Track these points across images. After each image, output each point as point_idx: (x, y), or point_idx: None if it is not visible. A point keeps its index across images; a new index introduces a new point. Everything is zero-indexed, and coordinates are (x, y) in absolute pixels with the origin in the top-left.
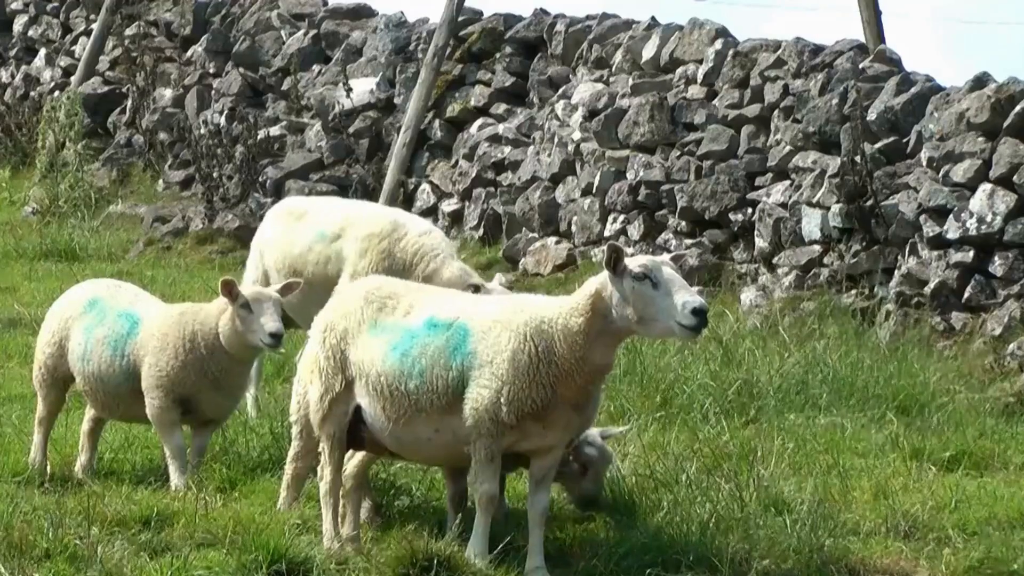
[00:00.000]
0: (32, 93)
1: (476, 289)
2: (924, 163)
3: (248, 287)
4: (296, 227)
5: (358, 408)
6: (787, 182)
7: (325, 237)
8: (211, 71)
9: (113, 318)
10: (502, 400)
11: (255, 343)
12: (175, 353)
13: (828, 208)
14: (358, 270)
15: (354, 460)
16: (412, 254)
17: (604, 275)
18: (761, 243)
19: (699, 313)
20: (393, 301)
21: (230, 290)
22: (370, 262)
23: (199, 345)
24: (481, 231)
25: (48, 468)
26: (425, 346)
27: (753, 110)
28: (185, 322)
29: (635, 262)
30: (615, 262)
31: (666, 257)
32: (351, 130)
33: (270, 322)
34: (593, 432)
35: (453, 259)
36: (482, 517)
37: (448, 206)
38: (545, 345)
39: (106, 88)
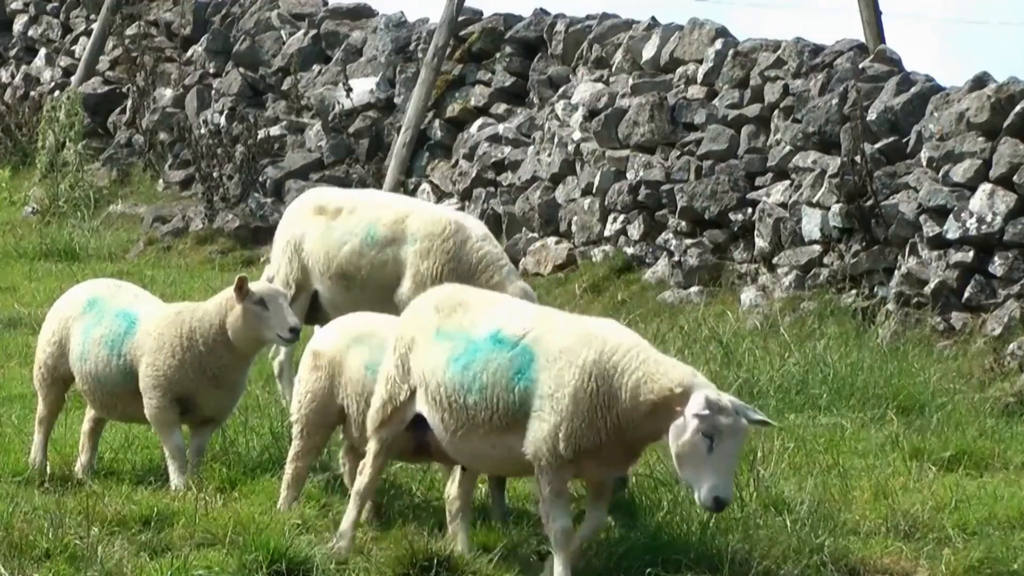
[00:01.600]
0: (32, 93)
1: None
2: (924, 163)
3: (258, 283)
4: (337, 225)
5: (423, 416)
6: (787, 182)
7: (376, 240)
8: (211, 71)
9: (111, 318)
10: (560, 435)
11: (270, 339)
12: (172, 352)
13: (828, 208)
14: (421, 271)
15: (455, 485)
16: (477, 260)
17: (694, 387)
18: (761, 243)
19: (720, 504)
20: (462, 309)
21: (242, 287)
22: (434, 263)
23: (197, 343)
24: None
25: (48, 468)
26: (488, 362)
27: (753, 110)
28: (182, 321)
29: (718, 419)
30: (706, 404)
31: (748, 421)
32: (351, 130)
33: (290, 316)
34: None
35: (515, 274)
36: (561, 553)
37: (448, 206)
38: (608, 391)
39: (106, 88)
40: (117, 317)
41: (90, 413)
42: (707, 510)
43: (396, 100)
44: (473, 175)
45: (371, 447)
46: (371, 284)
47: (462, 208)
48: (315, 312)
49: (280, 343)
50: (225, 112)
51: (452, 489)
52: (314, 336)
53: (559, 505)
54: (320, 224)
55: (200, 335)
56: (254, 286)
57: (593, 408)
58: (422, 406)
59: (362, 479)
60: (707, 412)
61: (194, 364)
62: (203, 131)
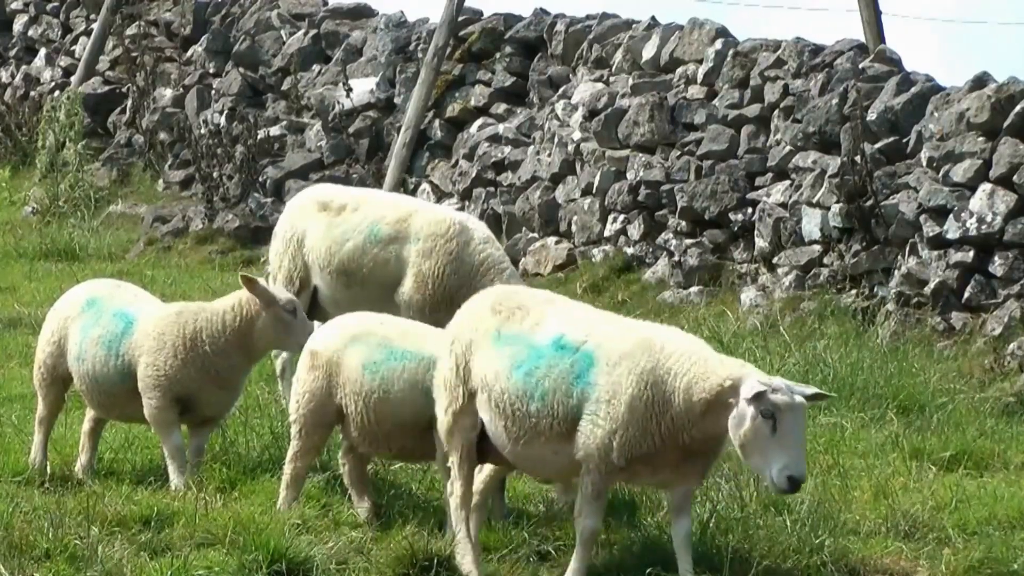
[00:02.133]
0: (32, 93)
1: None
2: (924, 163)
3: (281, 290)
4: (339, 223)
5: (481, 422)
6: (787, 182)
7: (379, 239)
8: (211, 71)
9: (108, 318)
10: (614, 443)
11: (293, 347)
12: (174, 352)
13: (828, 208)
14: (422, 271)
15: (483, 475)
16: (480, 263)
17: (743, 377)
18: (761, 243)
19: (794, 483)
20: (521, 312)
21: (255, 288)
22: (436, 263)
23: (202, 344)
24: None
25: (48, 468)
26: (550, 368)
27: (753, 110)
28: (184, 322)
29: (775, 397)
30: (758, 387)
31: (804, 398)
32: (351, 130)
33: (311, 328)
34: None
35: (516, 278)
36: (582, 551)
37: (448, 206)
38: (662, 397)
39: (106, 88)
40: (114, 317)
41: (90, 413)
42: (782, 492)
43: (396, 100)
44: (473, 175)
45: (452, 457)
46: (372, 282)
47: (462, 208)
48: (313, 309)
49: (298, 351)
50: (225, 112)
51: (478, 478)
52: (312, 336)
53: (595, 506)
54: (323, 220)
55: (208, 336)
56: (280, 293)
57: (647, 416)
58: (483, 412)
59: (456, 491)
60: (760, 393)
61: (197, 364)
62: (203, 131)
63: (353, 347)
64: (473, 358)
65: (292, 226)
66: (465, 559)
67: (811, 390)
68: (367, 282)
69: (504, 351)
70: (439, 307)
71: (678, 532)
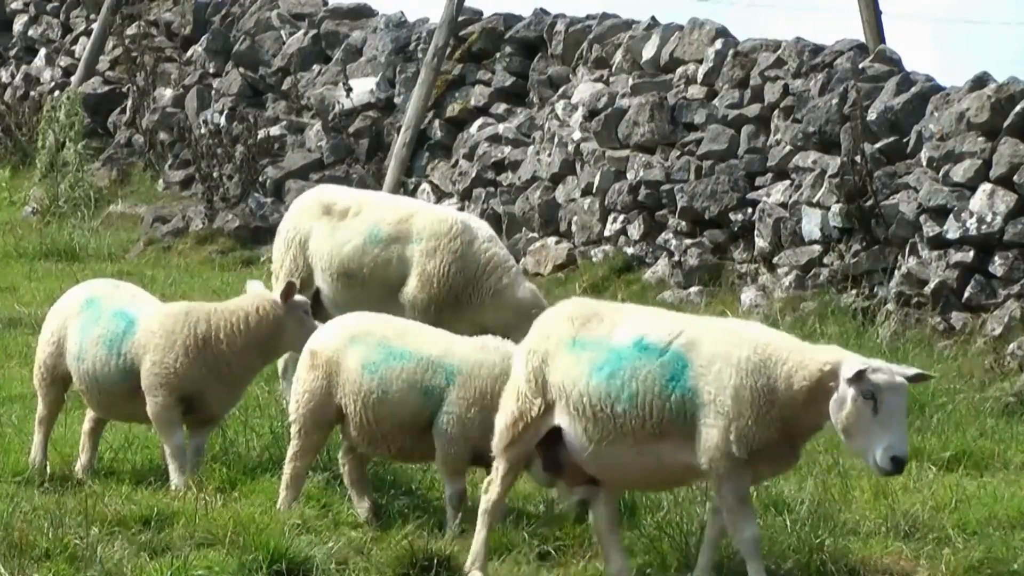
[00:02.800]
0: (32, 93)
1: None
2: (924, 163)
3: (299, 296)
4: (342, 225)
5: (556, 432)
6: (787, 182)
7: (380, 239)
8: (211, 71)
9: (108, 317)
10: (731, 437)
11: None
12: (185, 351)
13: (828, 208)
14: (427, 270)
15: (599, 511)
16: (486, 261)
17: (842, 360)
18: (761, 243)
19: (898, 463)
20: (597, 319)
21: (289, 296)
22: (441, 262)
23: (217, 343)
24: None
25: (48, 468)
26: (636, 370)
27: (753, 110)
28: (194, 321)
29: (875, 376)
30: (859, 375)
31: (905, 378)
32: (351, 130)
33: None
34: None
35: (522, 276)
36: (754, 563)
37: (448, 206)
38: (767, 384)
39: (106, 88)
40: (115, 317)
41: (90, 413)
42: (886, 474)
43: (396, 100)
44: (473, 175)
45: (499, 466)
46: (373, 283)
47: (462, 208)
48: (315, 310)
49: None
50: (225, 112)
51: (596, 512)
52: (312, 336)
53: (745, 512)
54: (325, 222)
55: (225, 335)
56: (298, 298)
57: (757, 404)
58: (561, 418)
59: (489, 497)
60: (861, 372)
61: (208, 363)
62: (203, 131)
63: (353, 347)
64: (549, 368)
65: (295, 227)
66: (476, 565)
67: (912, 371)
68: (368, 283)
69: (582, 356)
70: (444, 306)
71: (713, 527)
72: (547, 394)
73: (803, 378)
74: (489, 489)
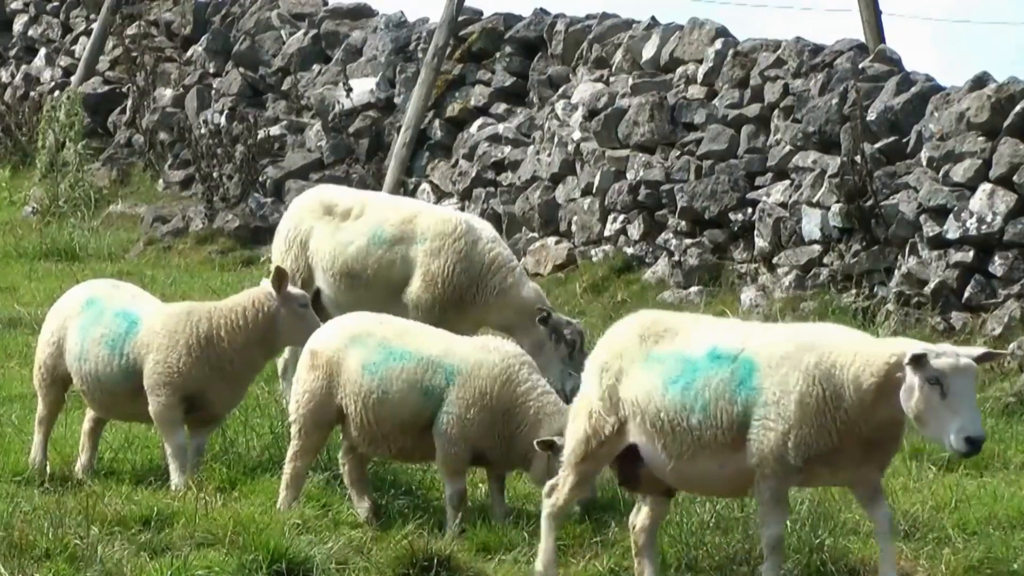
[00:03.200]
0: (32, 93)
1: (547, 316)
2: (924, 163)
3: (294, 288)
4: (344, 226)
5: (633, 447)
6: (787, 182)
7: (384, 240)
8: (211, 71)
9: (110, 317)
10: (789, 444)
11: (304, 343)
12: (188, 350)
13: (828, 208)
14: (431, 270)
15: (642, 515)
16: (490, 261)
17: (904, 349)
18: (761, 243)
19: (973, 443)
20: (670, 334)
21: (282, 283)
22: (445, 262)
23: (219, 342)
24: None
25: (48, 468)
26: (708, 379)
27: (753, 110)
28: (196, 320)
29: (938, 361)
30: (918, 359)
31: (971, 359)
32: (351, 130)
33: (319, 324)
34: None
35: (525, 275)
36: (772, 559)
37: (448, 206)
38: (833, 391)
39: (106, 88)
40: (116, 317)
41: (90, 413)
42: (963, 456)
43: (396, 100)
44: (473, 175)
45: (569, 478)
46: (377, 283)
47: (462, 208)
48: (316, 310)
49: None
50: (225, 112)
51: (638, 520)
52: (313, 336)
53: (777, 512)
54: (327, 223)
55: (227, 333)
56: (293, 289)
57: (821, 412)
58: (637, 436)
59: (554, 503)
60: (919, 356)
61: (211, 362)
62: (203, 131)
63: (353, 347)
64: (622, 385)
65: (296, 227)
66: (546, 572)
67: (979, 350)
68: (372, 284)
69: (655, 369)
70: (447, 306)
71: (880, 523)
72: (620, 412)
73: (870, 375)
74: (553, 494)
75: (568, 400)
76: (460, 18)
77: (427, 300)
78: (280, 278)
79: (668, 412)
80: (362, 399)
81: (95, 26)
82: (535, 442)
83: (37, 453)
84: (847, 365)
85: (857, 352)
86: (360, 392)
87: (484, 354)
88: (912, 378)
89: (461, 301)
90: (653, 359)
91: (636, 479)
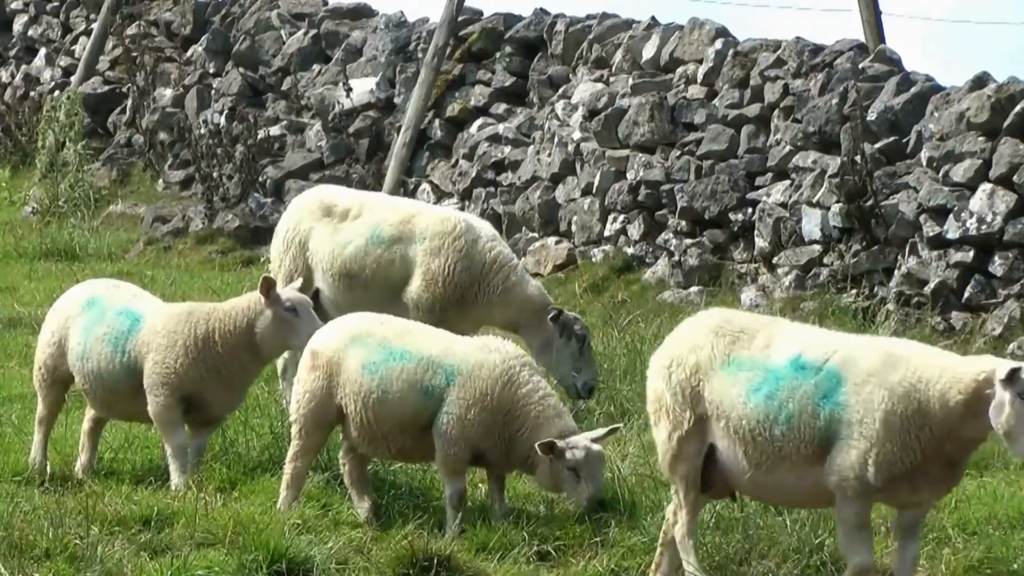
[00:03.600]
0: (32, 93)
1: (559, 314)
2: (924, 163)
3: (287, 290)
4: (343, 227)
5: (710, 449)
6: (787, 182)
7: (383, 240)
8: (211, 71)
9: (112, 316)
10: (870, 462)
11: (297, 346)
12: (185, 351)
13: (828, 208)
14: (432, 269)
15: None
16: (491, 260)
17: (994, 366)
18: (761, 243)
19: None
20: (746, 335)
21: (269, 290)
22: (446, 261)
23: (215, 344)
24: None
25: (48, 468)
26: (793, 390)
27: (753, 110)
28: (196, 321)
29: None
30: (1012, 375)
31: None
32: (351, 130)
33: (316, 324)
34: (576, 438)
35: (527, 274)
36: None
37: (448, 206)
38: (917, 409)
39: (106, 88)
40: (119, 315)
41: (90, 413)
42: None
43: (396, 100)
44: (473, 175)
45: (678, 489)
46: (376, 284)
47: (462, 208)
48: (316, 311)
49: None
50: (225, 112)
51: (674, 515)
52: (313, 336)
53: (862, 537)
54: (326, 223)
55: (220, 336)
56: (284, 292)
57: (905, 430)
58: (720, 439)
59: (681, 523)
60: (1014, 371)
61: (209, 364)
62: (203, 131)
63: (353, 348)
64: (703, 383)
65: (295, 227)
66: None
67: None
68: (371, 284)
69: (738, 376)
70: (448, 305)
71: (904, 557)
72: (697, 407)
73: (958, 392)
74: (678, 516)
75: (579, 395)
76: (460, 18)
77: (428, 299)
78: (266, 286)
79: (750, 420)
80: (362, 399)
81: (95, 26)
82: (536, 444)
83: (37, 453)
84: (933, 382)
85: (943, 369)
86: (360, 392)
87: (485, 354)
88: (1003, 394)
89: (463, 300)
90: (734, 363)
91: (708, 481)
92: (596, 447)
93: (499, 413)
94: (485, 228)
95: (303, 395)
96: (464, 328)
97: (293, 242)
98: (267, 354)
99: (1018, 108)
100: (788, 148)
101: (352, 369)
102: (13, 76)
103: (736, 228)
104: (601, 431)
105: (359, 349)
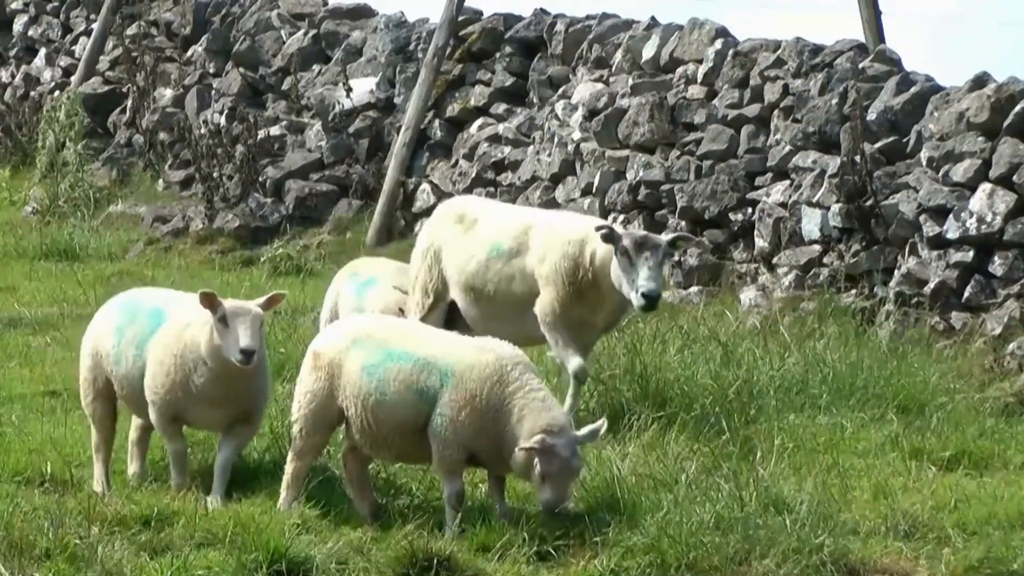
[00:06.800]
0: (32, 93)
1: (609, 232)
2: (924, 163)
3: (230, 301)
4: (468, 239)
5: None
6: (787, 182)
7: (502, 253)
8: (211, 71)
9: (143, 318)
10: None
11: (229, 358)
12: (167, 370)
13: (828, 208)
14: (551, 281)
15: None
16: (601, 266)
17: None
18: (761, 243)
19: None
20: None
21: (211, 303)
22: (559, 272)
23: (187, 359)
24: None
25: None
26: None
27: (753, 110)
28: (181, 335)
29: None
30: None
31: None
32: (351, 130)
33: (243, 338)
34: (562, 445)
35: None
36: None
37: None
38: None
39: (106, 88)
40: (148, 316)
41: (136, 421)
42: None
43: (396, 100)
44: (473, 175)
45: None
46: (499, 298)
47: None
48: (457, 323)
49: (238, 363)
50: (225, 112)
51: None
52: (316, 337)
53: None
54: (457, 234)
55: (190, 350)
56: (226, 303)
57: None
58: None
59: None
60: None
61: (183, 382)
62: (203, 131)
63: (354, 349)
64: None
65: (430, 239)
66: None
67: None
68: (494, 299)
69: None
70: (571, 303)
71: None
72: None
73: None
74: None
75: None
76: (460, 18)
77: (551, 316)
78: (205, 299)
79: None
80: (361, 401)
81: (95, 26)
82: (516, 450)
83: (99, 484)
84: None
85: None
86: (360, 394)
87: (479, 355)
88: None
89: (580, 293)
90: None
91: None
92: (576, 463)
93: (488, 413)
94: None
95: (304, 396)
96: (602, 319)
97: (428, 252)
98: (215, 367)
99: (1018, 108)
100: (788, 148)
101: (352, 371)
102: (13, 76)
103: (736, 228)
104: (586, 430)
105: (360, 351)
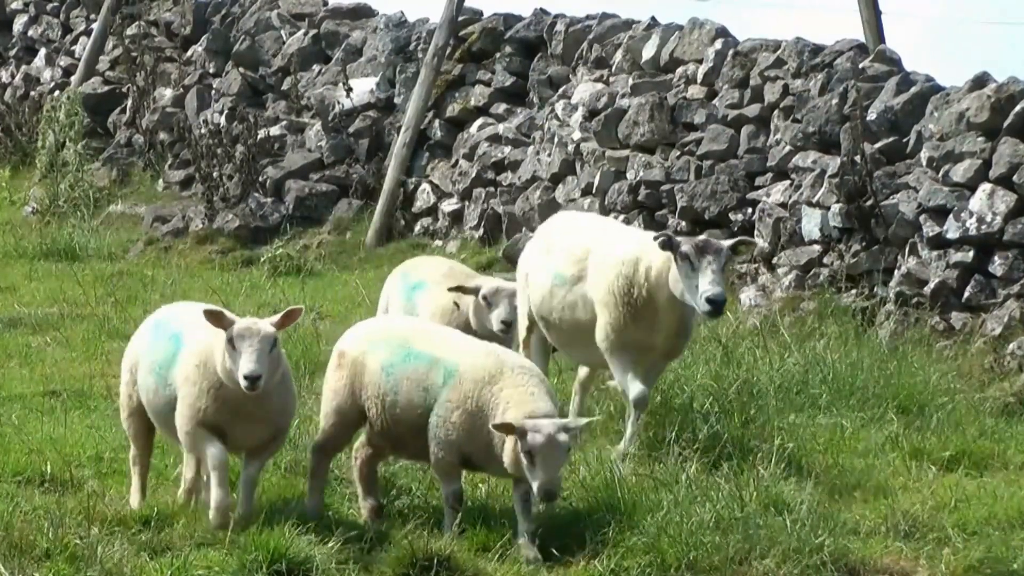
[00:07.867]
0: (32, 93)
1: (667, 240)
2: (924, 163)
3: (245, 320)
4: (541, 264)
5: None
6: (787, 182)
7: (565, 281)
8: (211, 71)
9: (164, 342)
10: None
11: (237, 379)
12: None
13: (828, 208)
14: (608, 306)
15: None
16: (655, 285)
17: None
18: (761, 243)
19: None
20: None
21: (219, 320)
22: (616, 301)
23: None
24: (481, 231)
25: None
26: None
27: (753, 110)
28: (207, 360)
29: None
30: None
31: None
32: (351, 130)
33: (246, 363)
34: (545, 422)
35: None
36: None
37: (448, 206)
38: None
39: (106, 88)
40: (168, 341)
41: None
42: None
43: (396, 100)
44: (473, 175)
45: None
46: (565, 326)
47: (462, 208)
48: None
49: (244, 389)
50: (225, 112)
51: None
52: (342, 336)
53: None
54: (536, 260)
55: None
56: (238, 323)
57: None
58: None
59: None
60: None
61: (218, 397)
62: (203, 131)
63: (376, 349)
64: None
65: (524, 262)
66: None
67: None
68: (561, 327)
69: None
70: (627, 323)
71: None
72: None
73: None
74: None
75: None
76: (460, 18)
77: (609, 345)
78: (212, 316)
79: None
80: (380, 400)
81: (95, 26)
82: (491, 424)
83: (135, 498)
84: None
85: None
86: (379, 394)
87: (478, 358)
88: None
89: (635, 312)
90: None
91: None
92: (562, 436)
93: (478, 416)
94: (656, 257)
95: (328, 392)
96: (661, 340)
97: (525, 278)
98: (230, 383)
99: (1018, 108)
100: (788, 148)
101: (373, 370)
102: (13, 76)
103: (736, 228)
104: (579, 420)
105: (381, 350)
